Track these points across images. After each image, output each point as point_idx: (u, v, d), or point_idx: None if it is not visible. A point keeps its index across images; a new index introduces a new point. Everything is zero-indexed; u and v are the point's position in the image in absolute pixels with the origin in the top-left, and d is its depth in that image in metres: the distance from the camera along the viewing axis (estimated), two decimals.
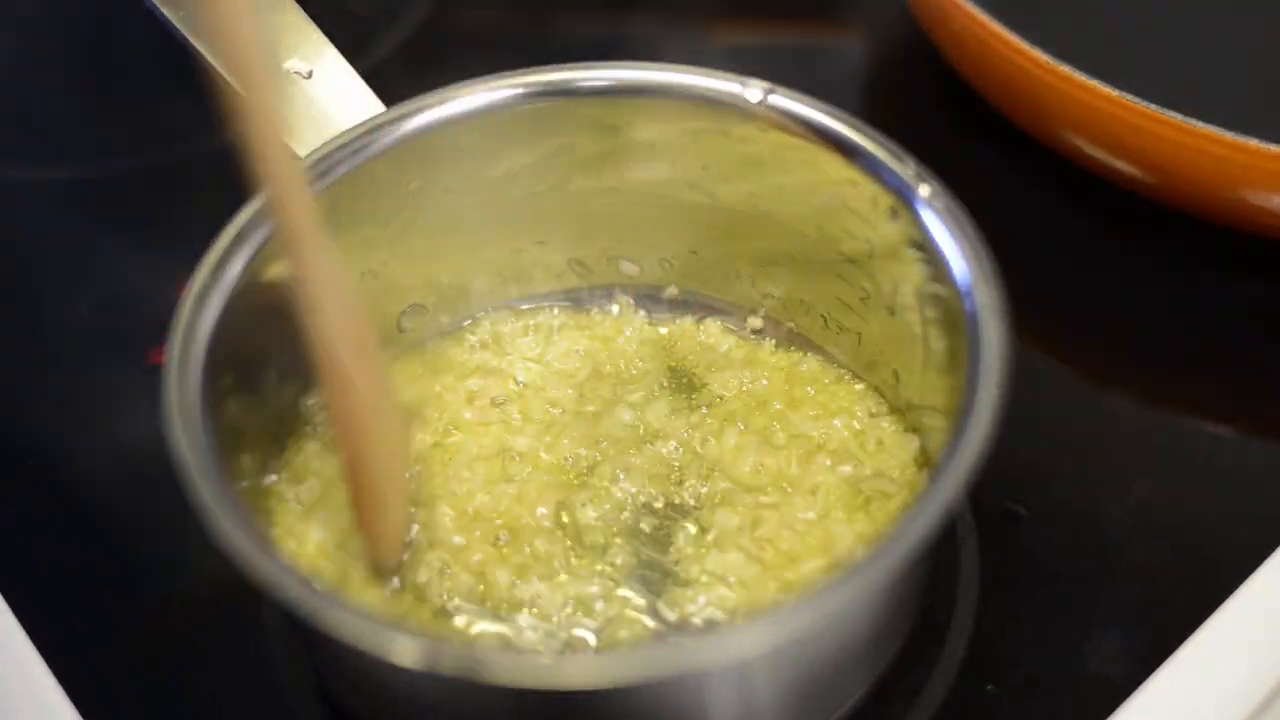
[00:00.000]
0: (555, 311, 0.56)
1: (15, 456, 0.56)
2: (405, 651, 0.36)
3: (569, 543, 0.48)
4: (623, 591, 0.46)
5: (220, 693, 0.49)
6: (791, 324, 0.54)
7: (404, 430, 0.48)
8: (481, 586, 0.46)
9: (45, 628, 0.50)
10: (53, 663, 0.49)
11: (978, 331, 0.42)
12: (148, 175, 0.69)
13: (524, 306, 0.56)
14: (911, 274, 0.47)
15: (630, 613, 0.46)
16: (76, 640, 0.50)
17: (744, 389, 0.52)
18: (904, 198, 0.46)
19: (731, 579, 0.46)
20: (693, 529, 0.48)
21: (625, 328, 0.55)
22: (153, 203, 0.67)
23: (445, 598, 0.46)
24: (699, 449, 0.51)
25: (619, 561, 0.47)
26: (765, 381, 0.52)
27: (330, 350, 0.41)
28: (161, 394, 0.42)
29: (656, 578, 0.47)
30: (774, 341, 0.54)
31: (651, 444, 0.51)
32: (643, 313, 0.55)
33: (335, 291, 0.40)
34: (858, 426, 0.51)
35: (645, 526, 0.48)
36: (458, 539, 0.47)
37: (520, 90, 0.50)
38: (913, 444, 0.50)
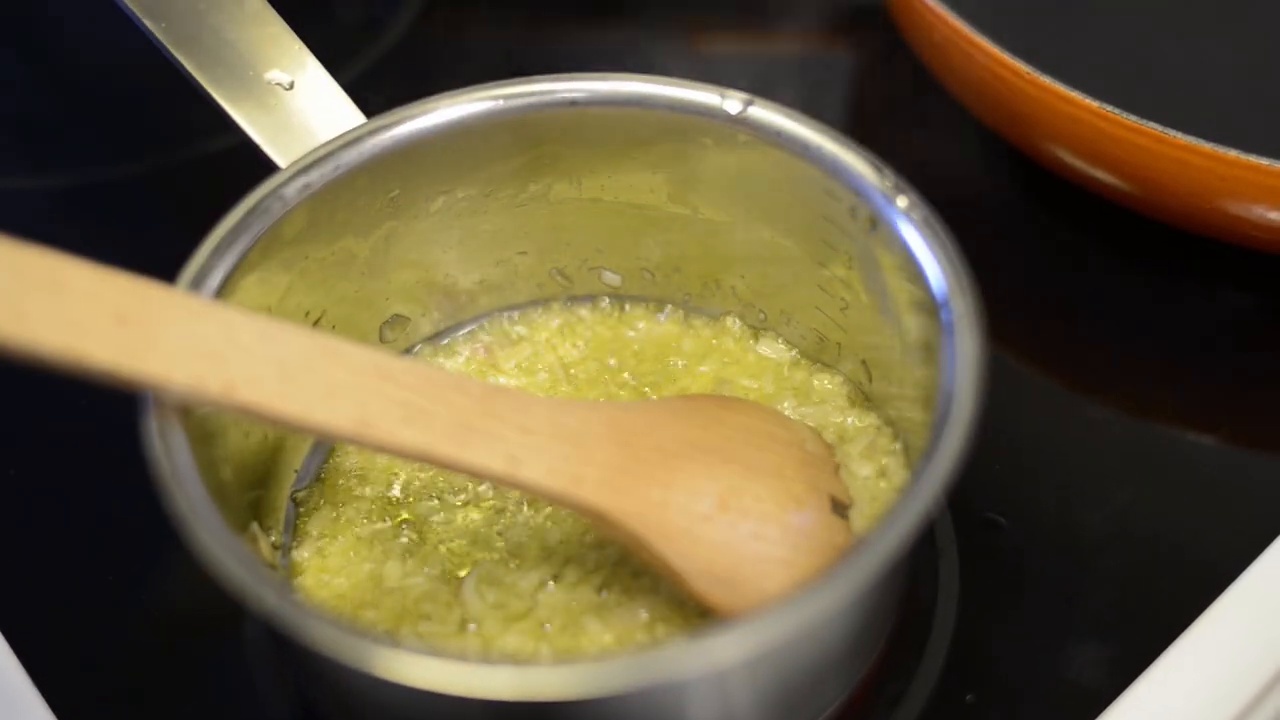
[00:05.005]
0: (538, 321, 0.56)
1: None
2: (382, 663, 0.36)
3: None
4: None
5: (201, 706, 0.49)
6: (773, 334, 0.55)
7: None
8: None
9: (28, 641, 0.50)
10: (35, 675, 0.49)
11: (954, 342, 0.42)
12: (128, 185, 0.69)
13: (507, 317, 0.56)
14: (891, 286, 0.47)
15: None
16: (59, 653, 0.50)
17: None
18: (882, 209, 0.47)
19: None
20: None
21: (610, 337, 0.55)
22: (134, 212, 0.67)
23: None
24: None
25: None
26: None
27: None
28: (140, 402, 0.42)
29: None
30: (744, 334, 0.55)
31: None
32: (627, 323, 0.56)
33: None
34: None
35: None
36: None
37: (501, 101, 0.50)
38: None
